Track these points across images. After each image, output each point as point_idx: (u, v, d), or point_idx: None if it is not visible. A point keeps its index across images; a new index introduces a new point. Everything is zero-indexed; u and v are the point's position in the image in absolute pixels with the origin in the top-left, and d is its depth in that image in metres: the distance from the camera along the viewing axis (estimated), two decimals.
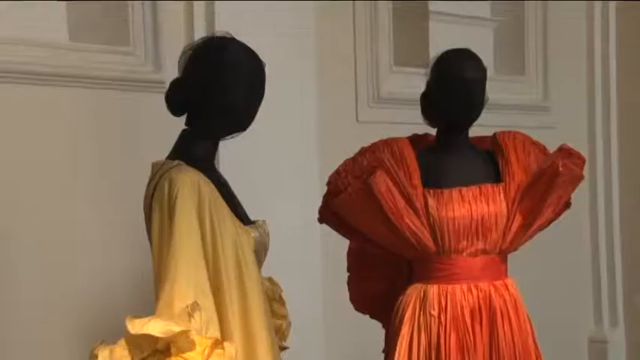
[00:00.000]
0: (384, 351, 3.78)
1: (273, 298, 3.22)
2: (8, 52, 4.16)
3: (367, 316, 4.00)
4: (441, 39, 4.21)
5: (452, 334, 3.55)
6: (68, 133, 4.39)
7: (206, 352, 2.68)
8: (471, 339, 3.56)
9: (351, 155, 3.73)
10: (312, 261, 4.65)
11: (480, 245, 3.63)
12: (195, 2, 4.64)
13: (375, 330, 3.92)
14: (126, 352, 2.66)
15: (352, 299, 4.00)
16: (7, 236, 4.18)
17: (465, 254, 3.63)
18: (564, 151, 3.70)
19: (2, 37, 4.17)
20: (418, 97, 3.79)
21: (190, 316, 2.70)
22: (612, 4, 6.46)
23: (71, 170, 4.39)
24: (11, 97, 4.19)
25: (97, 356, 2.66)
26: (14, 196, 4.22)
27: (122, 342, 2.68)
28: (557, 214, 3.83)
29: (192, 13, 4.65)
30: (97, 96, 4.42)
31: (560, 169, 3.59)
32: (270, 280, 3.25)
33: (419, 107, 3.78)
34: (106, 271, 4.37)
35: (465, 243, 3.61)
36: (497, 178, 3.70)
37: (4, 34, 4.18)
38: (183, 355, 2.64)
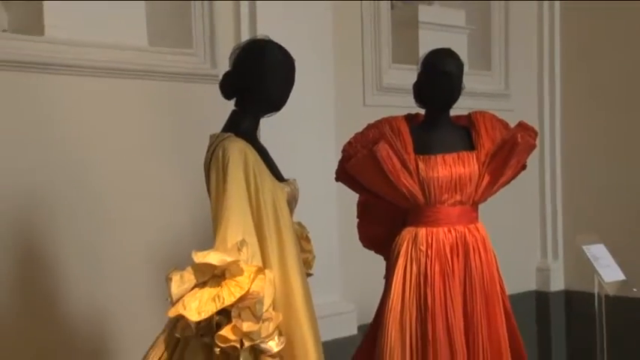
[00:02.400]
0: (385, 277, 3.78)
1: (302, 237, 3.24)
2: (106, 55, 4.20)
3: (372, 252, 4.00)
4: (427, 42, 4.20)
5: (436, 264, 3.58)
6: (148, 114, 4.39)
7: (251, 276, 2.70)
8: (450, 268, 3.59)
9: (360, 130, 3.74)
10: (330, 210, 4.66)
11: (458, 198, 3.65)
12: (241, 13, 4.65)
13: (378, 262, 3.92)
14: (192, 276, 2.68)
15: (361, 239, 4.02)
16: (105, 196, 4.21)
17: (446, 205, 3.65)
18: (522, 126, 3.76)
19: (101, 42, 4.21)
20: (411, 86, 3.80)
21: (239, 250, 2.74)
22: (557, 18, 6.43)
23: (151, 143, 4.39)
24: (108, 87, 4.22)
25: (171, 279, 2.68)
26: (110, 164, 4.24)
27: (189, 269, 2.70)
28: (516, 174, 3.86)
29: (239, 23, 4.66)
30: (168, 87, 4.44)
31: (519, 140, 3.64)
32: (299, 224, 3.26)
33: (411, 94, 3.79)
34: (177, 220, 4.40)
35: (446, 196, 3.63)
36: (471, 146, 3.71)
37: (103, 40, 4.22)
38: (235, 279, 2.67)
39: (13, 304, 3.94)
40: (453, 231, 3.64)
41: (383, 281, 3.80)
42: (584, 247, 4.57)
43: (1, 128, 3.89)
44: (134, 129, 4.35)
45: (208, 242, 2.85)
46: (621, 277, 4.53)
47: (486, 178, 3.69)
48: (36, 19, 4.15)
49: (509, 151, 3.67)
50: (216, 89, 3.18)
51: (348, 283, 4.98)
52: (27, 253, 4.02)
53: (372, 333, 3.79)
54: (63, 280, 4.10)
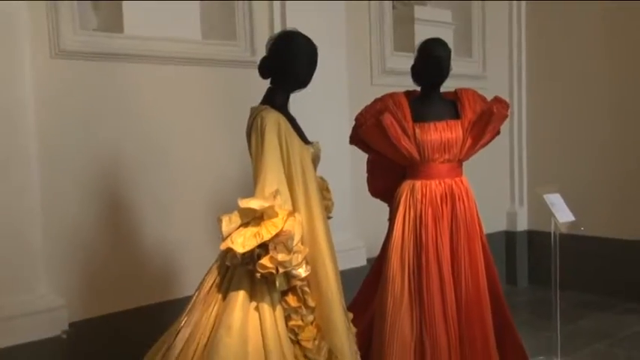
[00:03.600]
0: (388, 220, 3.74)
1: (323, 188, 3.20)
2: (170, 47, 4.21)
3: (378, 200, 3.95)
4: (421, 35, 4.17)
5: (429, 209, 3.55)
6: (203, 93, 4.37)
7: (284, 218, 2.68)
8: (440, 212, 3.56)
9: (368, 103, 3.68)
10: (345, 167, 4.62)
11: (446, 157, 3.60)
12: (274, 11, 4.62)
13: (382, 208, 3.88)
14: (237, 218, 2.67)
15: (369, 190, 3.98)
16: (171, 159, 4.24)
17: (437, 162, 3.60)
18: (497, 100, 3.71)
19: (166, 37, 4.21)
20: (408, 70, 3.73)
21: (274, 197, 2.72)
22: (523, 16, 6.37)
23: (206, 115, 4.37)
24: (172, 73, 4.23)
25: (221, 220, 2.68)
26: (175, 133, 4.25)
27: (235, 212, 2.69)
28: (492, 138, 3.81)
29: (272, 19, 4.63)
30: (218, 71, 4.41)
31: (494, 110, 3.61)
32: (321, 177, 3.21)
33: (409, 76, 3.72)
34: (226, 176, 4.39)
35: (437, 155, 3.58)
36: (457, 116, 3.65)
37: (168, 35, 4.22)
38: (271, 220, 2.66)
39: (103, 240, 4.00)
40: (442, 183, 3.60)
41: (387, 223, 3.76)
42: (543, 196, 4.54)
43: (93, 106, 3.93)
44: (193, 105, 4.33)
45: (250, 192, 2.82)
46: (572, 218, 4.50)
47: (469, 141, 3.64)
48: (117, 19, 4.14)
49: (487, 120, 3.62)
50: (255, 72, 3.13)
51: (359, 224, 4.95)
52: (113, 202, 4.05)
53: (378, 264, 3.76)
54: (140, 222, 4.15)
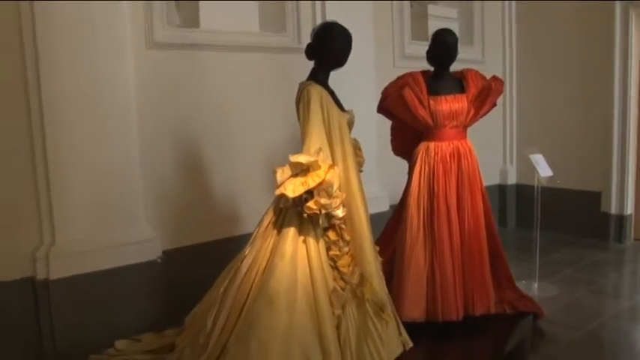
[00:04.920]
0: (407, 173, 3.61)
1: (356, 147, 3.07)
2: (235, 37, 4.09)
3: (399, 158, 3.81)
4: (433, 27, 3.99)
5: (440, 165, 3.43)
6: (261, 74, 4.24)
7: (326, 170, 2.58)
8: (449, 167, 3.43)
9: (392, 80, 3.55)
10: (373, 131, 4.46)
11: (454, 123, 3.45)
12: (316, 7, 4.46)
13: (402, 164, 3.74)
14: (289, 170, 2.58)
15: (392, 150, 3.84)
16: (235, 127, 4.13)
17: (447, 128, 3.46)
18: (495, 78, 3.55)
19: (233, 30, 4.09)
20: (423, 55, 3.58)
21: (318, 153, 2.62)
22: (513, 13, 6.13)
23: (263, 92, 4.24)
24: (237, 59, 4.11)
25: (276, 172, 2.59)
26: (239, 106, 4.14)
27: (287, 165, 2.60)
28: (490, 109, 3.64)
29: (315, 13, 4.46)
30: (272, 57, 4.26)
31: (493, 86, 3.47)
32: (354, 139, 3.07)
33: (423, 60, 3.59)
34: (279, 138, 4.26)
35: (447, 122, 3.44)
36: (462, 90, 3.48)
37: (233, 28, 4.10)
38: (315, 172, 2.58)
39: (187, 186, 3.96)
40: (451, 144, 3.46)
41: (406, 177, 3.62)
42: (529, 155, 4.43)
43: (177, 84, 3.87)
44: (252, 83, 4.20)
45: (298, 149, 2.71)
46: (550, 173, 4.39)
47: (472, 111, 3.49)
48: (194, 16, 4.04)
49: (487, 94, 3.47)
50: (301, 57, 3.02)
51: (384, 177, 4.81)
52: (194, 157, 3.99)
53: (398, 209, 3.66)
54: (213, 174, 4.08)
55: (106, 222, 3.52)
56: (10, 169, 3.28)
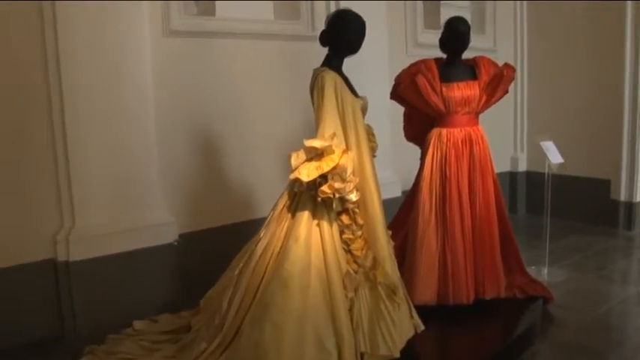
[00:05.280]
0: (420, 159, 3.57)
1: (369, 133, 3.01)
2: (250, 26, 4.09)
3: (411, 144, 3.77)
4: (446, 16, 3.91)
5: (452, 151, 3.38)
6: (275, 61, 4.23)
7: (340, 155, 2.55)
8: (461, 153, 3.39)
9: (404, 67, 3.50)
10: (386, 117, 4.40)
11: (466, 110, 3.40)
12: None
13: (415, 150, 3.71)
14: (303, 154, 2.55)
15: (405, 136, 3.79)
16: (250, 111, 4.11)
17: (459, 114, 3.40)
18: (507, 66, 3.50)
19: (247, 18, 4.10)
20: (436, 43, 3.52)
21: (332, 138, 2.58)
22: (525, 2, 6.06)
23: (277, 78, 4.23)
24: (252, 46, 4.10)
25: (290, 156, 2.56)
26: (253, 91, 4.13)
27: (301, 150, 2.57)
28: (502, 96, 3.57)
29: (328, 2, 4.41)
30: (286, 44, 4.24)
31: (505, 74, 3.41)
32: (368, 124, 3.03)
33: (435, 48, 3.55)
34: (293, 123, 4.25)
35: (459, 108, 3.38)
36: (475, 78, 3.43)
37: (248, 17, 4.10)
38: (329, 156, 2.55)
39: (203, 172, 3.96)
40: (463, 130, 3.41)
41: (417, 164, 3.59)
42: (540, 142, 4.38)
43: (194, 71, 3.87)
44: (267, 70, 4.19)
45: (312, 135, 2.67)
46: (561, 160, 4.33)
47: (484, 98, 3.43)
48: (211, 4, 4.03)
49: (499, 81, 3.42)
50: (314, 44, 2.97)
51: (396, 163, 4.78)
52: (210, 143, 3.99)
53: (411, 194, 3.62)
54: (229, 160, 4.08)
55: (124, 206, 3.53)
56: (32, 155, 3.31)
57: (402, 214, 3.65)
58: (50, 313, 3.38)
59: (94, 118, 3.40)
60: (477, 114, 3.48)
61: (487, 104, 3.47)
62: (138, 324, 3.37)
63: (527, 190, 6.20)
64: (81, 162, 3.39)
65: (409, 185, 3.72)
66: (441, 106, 3.38)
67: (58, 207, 3.40)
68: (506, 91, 3.58)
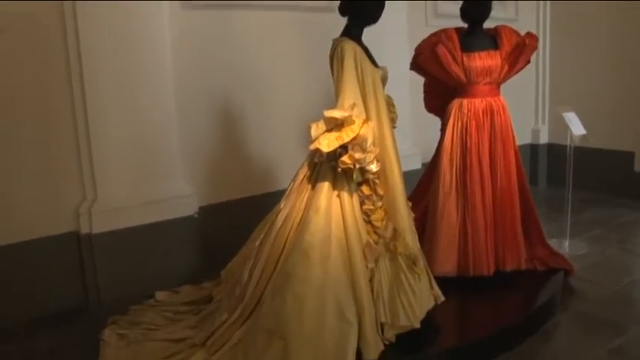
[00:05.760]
0: (440, 130, 3.53)
1: (389, 104, 2.96)
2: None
3: (432, 115, 3.73)
4: None
5: (473, 121, 3.33)
6: (296, 32, 4.19)
7: (360, 125, 2.51)
8: (482, 123, 3.34)
9: (424, 38, 3.45)
10: (406, 87, 4.38)
11: (488, 80, 3.34)
12: None
13: (435, 121, 3.67)
14: (323, 125, 2.51)
15: (425, 107, 3.75)
16: (271, 82, 4.10)
17: (480, 84, 3.34)
18: (529, 35, 3.42)
19: None
20: (456, 13, 3.47)
21: (352, 108, 2.53)
22: None
23: (297, 49, 4.19)
24: (273, 17, 4.08)
25: (310, 127, 2.52)
26: (273, 61, 4.12)
27: (321, 121, 2.53)
28: (524, 66, 3.50)
29: None
30: (305, 16, 4.20)
31: (527, 43, 3.33)
32: (388, 95, 2.98)
33: (455, 18, 3.49)
34: (312, 94, 4.21)
35: (480, 79, 3.32)
36: (496, 47, 3.36)
37: None
38: (350, 127, 2.51)
39: (223, 144, 3.96)
40: (484, 101, 3.35)
41: (438, 134, 3.54)
42: (562, 113, 4.30)
43: (213, 43, 3.84)
44: (286, 41, 4.16)
45: (332, 105, 2.62)
46: (584, 132, 4.26)
47: (506, 68, 3.37)
48: None
49: (521, 51, 3.35)
50: (335, 15, 2.91)
51: (416, 135, 4.75)
52: (230, 114, 3.98)
53: (431, 165, 3.59)
54: (249, 131, 4.07)
55: (144, 179, 3.56)
56: (53, 131, 3.34)
57: (422, 186, 3.62)
58: (74, 285, 3.44)
59: (114, 91, 3.41)
60: (499, 84, 3.42)
61: (509, 74, 3.41)
62: (160, 295, 3.41)
63: (549, 163, 6.12)
64: (102, 136, 3.41)
65: (429, 157, 3.69)
66: (462, 77, 3.33)
67: (80, 181, 3.44)
68: (529, 61, 3.51)
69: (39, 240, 3.32)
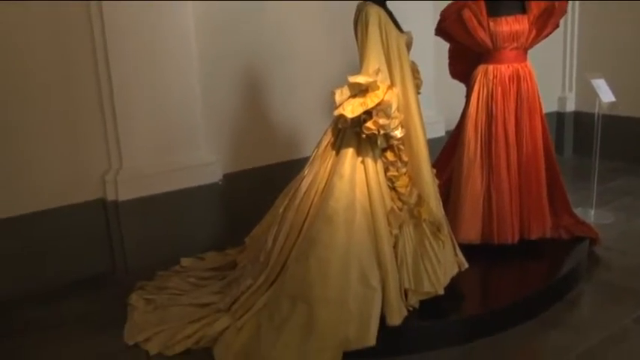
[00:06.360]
0: (465, 97, 3.47)
1: (414, 69, 2.91)
2: None
3: (456, 81, 3.66)
4: None
5: (499, 87, 3.28)
6: (315, 3, 4.12)
7: (385, 91, 2.49)
8: (508, 90, 3.28)
9: (450, 2, 3.38)
10: (430, 53, 4.32)
11: (514, 45, 3.27)
12: None
13: (457, 91, 3.61)
14: (347, 91, 2.50)
15: (450, 73, 3.67)
16: (296, 48, 4.08)
17: (507, 50, 3.28)
18: None
19: None
20: None
21: (376, 74, 2.51)
22: None
23: (321, 17, 4.16)
24: None
25: (334, 93, 2.51)
26: (298, 35, 4.10)
27: (345, 86, 2.52)
28: (552, 31, 3.42)
29: None
30: None
31: (556, 7, 3.25)
32: (412, 61, 2.93)
33: None
34: (336, 61, 4.17)
35: (507, 44, 3.25)
36: (524, 11, 3.27)
37: None
38: (374, 92, 2.49)
39: (246, 112, 3.97)
40: (510, 67, 3.28)
41: (463, 101, 3.49)
42: (591, 80, 4.20)
43: (234, 14, 3.81)
44: (309, 7, 4.12)
45: (356, 71, 2.60)
46: (613, 99, 4.15)
47: (533, 32, 3.29)
48: None
49: (549, 15, 3.26)
50: None
51: (440, 102, 4.68)
52: (254, 83, 3.97)
53: (456, 133, 3.55)
54: (273, 99, 4.07)
55: (168, 147, 3.58)
56: (79, 98, 3.37)
57: (446, 154, 3.59)
58: (101, 251, 3.50)
59: (138, 61, 3.42)
60: (526, 50, 3.35)
61: (536, 39, 3.34)
62: (185, 261, 3.46)
63: (575, 131, 6.01)
64: (126, 104, 3.43)
65: (452, 125, 3.65)
66: (488, 42, 3.26)
67: (106, 149, 3.48)
68: (557, 25, 3.43)
69: (67, 207, 3.38)
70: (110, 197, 3.46)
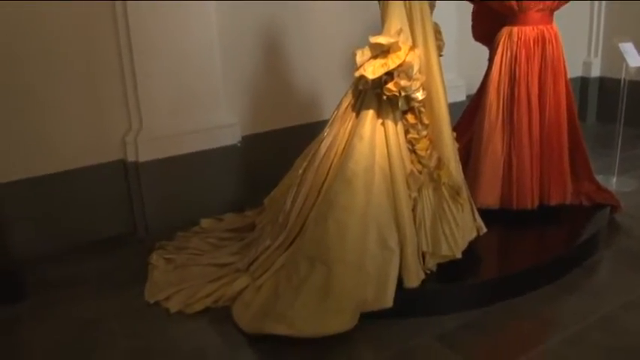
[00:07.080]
0: (488, 60, 3.41)
1: (436, 31, 2.85)
2: None
3: (479, 43, 3.59)
4: None
5: (523, 50, 3.20)
6: None
7: (406, 52, 2.46)
8: (532, 53, 3.20)
9: None
10: (452, 15, 4.26)
11: (540, 6, 3.18)
12: None
13: (479, 54, 3.53)
14: (368, 52, 2.48)
15: (473, 35, 3.61)
16: (313, 12, 4.03)
17: (532, 11, 3.19)
18: None
19: None
20: None
21: (398, 34, 2.47)
22: None
23: None
24: None
25: (355, 54, 2.49)
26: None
27: (367, 47, 2.50)
28: None
29: None
30: None
31: None
32: (435, 23, 2.87)
33: None
34: (359, 22, 4.10)
35: (532, 5, 3.17)
36: None
37: None
38: (396, 53, 2.45)
39: (266, 75, 3.95)
40: (535, 29, 3.20)
41: (486, 64, 3.42)
42: (618, 44, 4.09)
43: None
44: None
45: (377, 33, 2.55)
46: None
47: None
48: None
49: None
50: None
51: (462, 65, 4.61)
52: (274, 47, 3.95)
53: (477, 97, 3.49)
54: (292, 63, 4.04)
55: (188, 109, 3.59)
56: (100, 61, 3.37)
57: (467, 117, 3.55)
58: (122, 211, 3.55)
59: (158, 24, 3.40)
60: (552, 11, 3.26)
61: (561, 1, 3.24)
62: (205, 222, 3.50)
63: (599, 97, 5.89)
64: (146, 66, 3.43)
65: (474, 90, 3.59)
66: (513, 3, 3.18)
67: (126, 111, 3.49)
68: None
69: (88, 167, 3.42)
70: (130, 158, 3.49)
